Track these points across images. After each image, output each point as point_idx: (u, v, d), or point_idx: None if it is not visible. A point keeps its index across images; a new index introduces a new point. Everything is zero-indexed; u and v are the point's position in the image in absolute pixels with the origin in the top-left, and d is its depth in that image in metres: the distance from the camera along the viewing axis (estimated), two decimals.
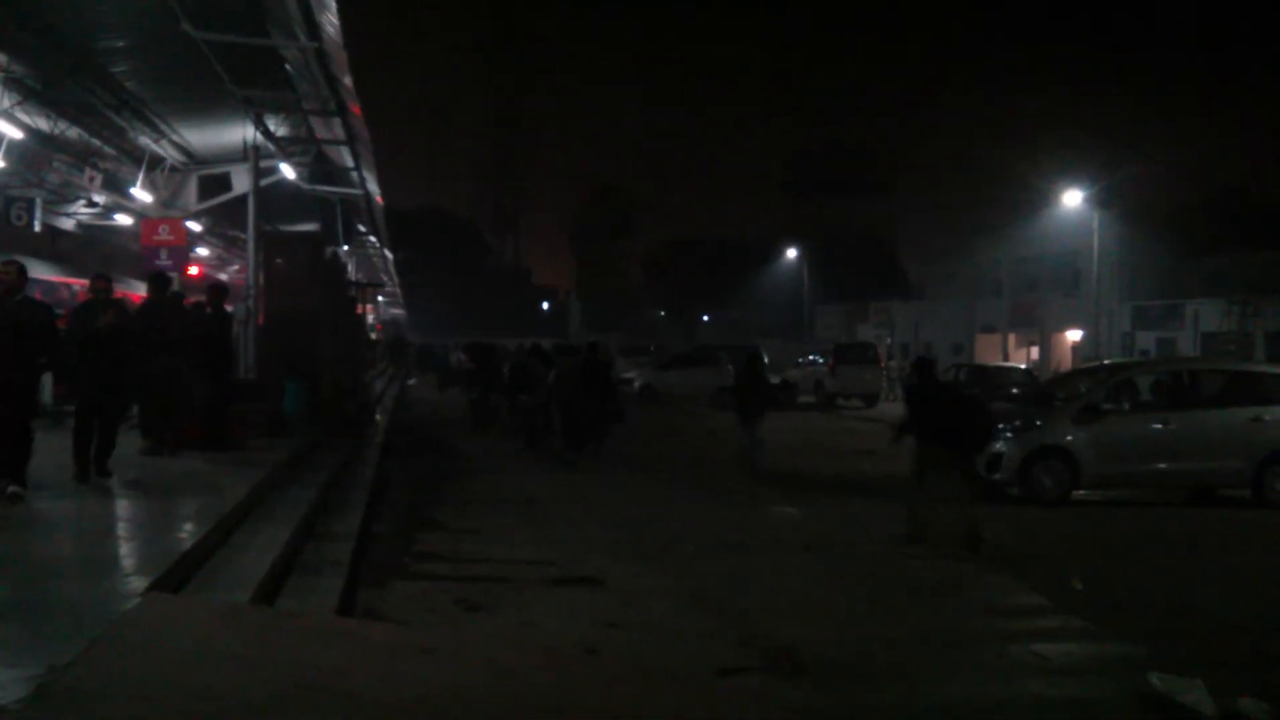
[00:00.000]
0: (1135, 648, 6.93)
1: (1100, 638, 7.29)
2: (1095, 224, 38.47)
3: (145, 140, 18.53)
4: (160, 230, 18.76)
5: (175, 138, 18.81)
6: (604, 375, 17.83)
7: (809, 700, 5.64)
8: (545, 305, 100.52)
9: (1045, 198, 44.15)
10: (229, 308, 13.76)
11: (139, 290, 17.66)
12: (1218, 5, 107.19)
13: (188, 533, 7.60)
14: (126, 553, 7.27)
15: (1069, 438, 13.86)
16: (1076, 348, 46.81)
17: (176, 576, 6.56)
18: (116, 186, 20.57)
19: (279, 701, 4.73)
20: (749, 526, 10.76)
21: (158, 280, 12.19)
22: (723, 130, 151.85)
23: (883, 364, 36.22)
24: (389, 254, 41.36)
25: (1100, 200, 39.52)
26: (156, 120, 17.63)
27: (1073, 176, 40.09)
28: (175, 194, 20.51)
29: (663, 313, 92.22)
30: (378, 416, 24.08)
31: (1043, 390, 19.58)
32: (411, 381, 43.49)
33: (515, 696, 5.26)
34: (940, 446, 10.39)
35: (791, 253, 67.30)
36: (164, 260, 17.99)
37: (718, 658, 6.65)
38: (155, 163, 19.79)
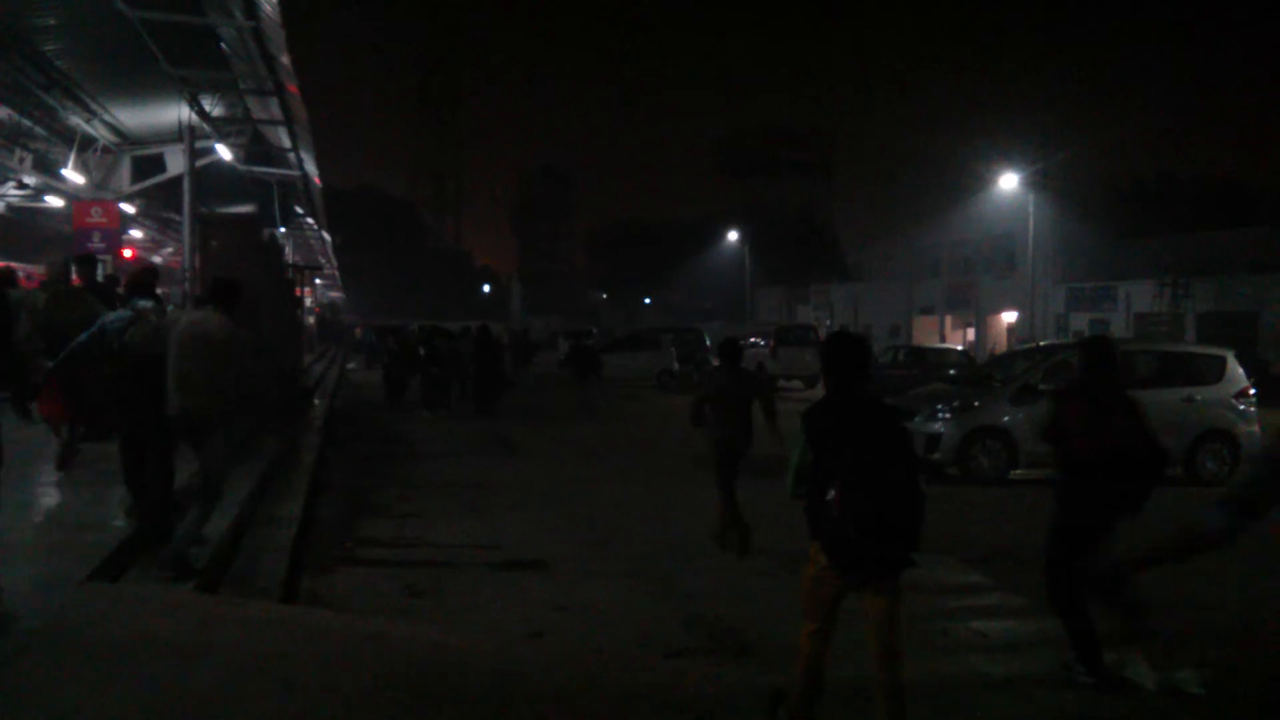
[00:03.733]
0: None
1: (1040, 614, 7.43)
2: (1031, 207, 39.10)
3: (77, 120, 18.12)
4: (93, 212, 18.40)
5: (108, 118, 18.42)
6: (494, 351, 23.54)
7: (755, 680, 5.69)
8: (486, 288, 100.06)
9: (982, 181, 44.77)
10: (161, 291, 13.49)
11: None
12: None
13: (125, 521, 7.48)
14: (65, 540, 7.12)
15: (1006, 418, 14.09)
16: (1012, 329, 47.58)
17: (116, 565, 6.47)
18: (47, 168, 20.10)
19: (223, 691, 4.70)
20: (691, 509, 10.82)
21: (85, 263, 11.91)
22: (661, 111, 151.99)
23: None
24: (327, 236, 40.86)
25: (1036, 183, 40.17)
26: (88, 100, 17.24)
27: (1009, 160, 40.69)
28: (108, 176, 20.10)
29: (604, 295, 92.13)
30: (317, 400, 23.83)
31: (980, 371, 19.87)
32: (351, 365, 43.10)
33: (462, 681, 5.26)
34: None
35: (732, 235, 67.59)
36: (97, 243, 17.64)
37: (665, 640, 6.70)
38: (87, 143, 19.37)
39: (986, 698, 5.95)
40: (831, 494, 4.54)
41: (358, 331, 58.48)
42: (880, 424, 4.78)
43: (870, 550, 4.55)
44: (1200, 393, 14.43)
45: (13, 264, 17.67)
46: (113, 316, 7.73)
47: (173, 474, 7.42)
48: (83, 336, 7.75)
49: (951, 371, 26.05)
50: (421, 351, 24.38)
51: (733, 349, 9.87)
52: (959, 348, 39.95)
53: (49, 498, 8.75)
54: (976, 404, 14.57)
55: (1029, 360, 16.04)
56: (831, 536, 4.60)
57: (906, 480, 4.62)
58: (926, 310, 54.82)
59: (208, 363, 6.76)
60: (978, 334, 50.36)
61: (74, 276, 11.35)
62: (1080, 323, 42.97)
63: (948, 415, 14.39)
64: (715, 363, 11.57)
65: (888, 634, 4.63)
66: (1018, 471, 14.11)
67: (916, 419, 14.50)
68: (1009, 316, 48.27)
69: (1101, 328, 40.83)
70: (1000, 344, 47.12)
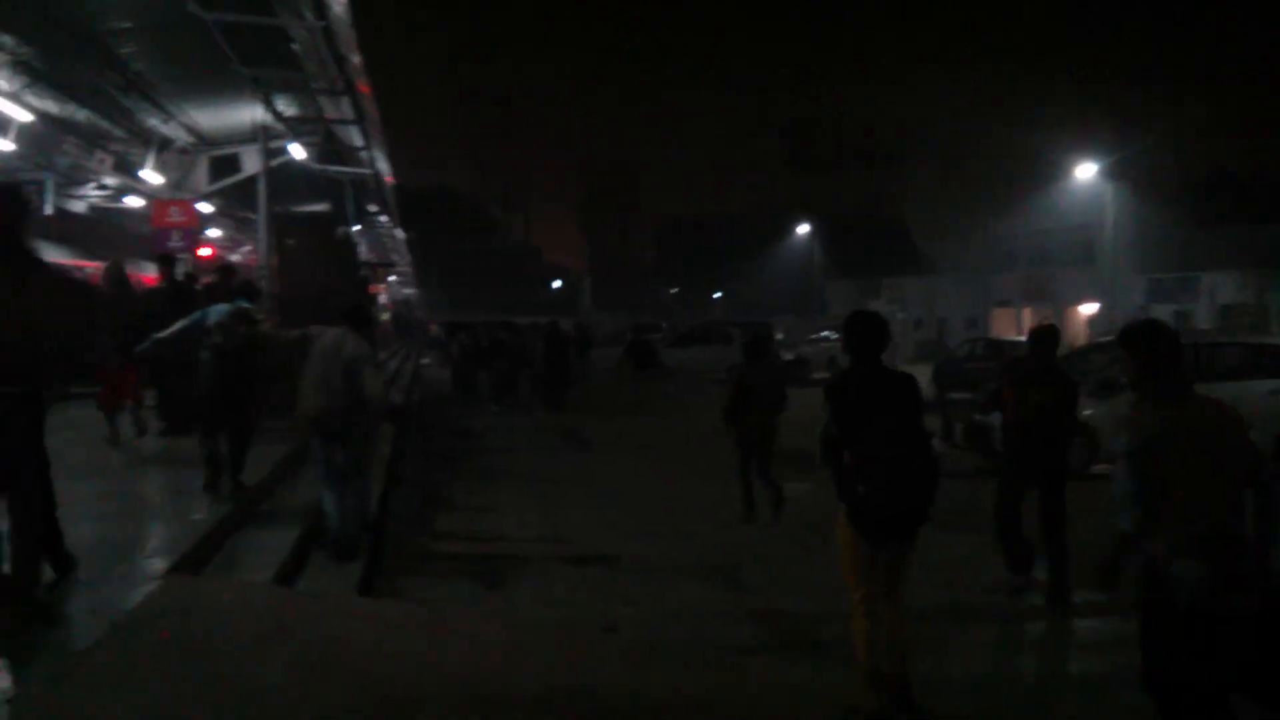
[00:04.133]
0: None
1: (1124, 614, 7.24)
2: (1109, 196, 38.23)
3: (154, 122, 18.50)
4: (171, 212, 18.76)
5: (184, 119, 18.78)
6: (562, 347, 23.38)
7: (828, 680, 5.61)
8: (556, 284, 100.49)
9: (1058, 170, 43.88)
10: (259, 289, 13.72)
11: (148, 272, 17.67)
12: None
13: (208, 514, 7.59)
14: (147, 534, 7.26)
15: (1087, 412, 13.75)
16: (1091, 321, 46.61)
17: (197, 558, 6.56)
18: (126, 169, 20.55)
19: (300, 682, 4.72)
20: (760, 503, 10.71)
21: (165, 261, 12.17)
22: (728, 104, 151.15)
23: (894, 340, 36.12)
24: (400, 233, 41.35)
25: (1114, 172, 39.25)
26: (165, 102, 17.59)
27: (1085, 149, 39.81)
28: (185, 176, 20.50)
29: (674, 290, 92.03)
30: (392, 396, 24.07)
31: (1059, 364, 19.49)
32: (425, 361, 43.51)
33: (536, 676, 5.24)
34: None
35: (802, 228, 67.04)
36: (176, 242, 17.97)
37: (735, 636, 6.63)
38: (165, 144, 19.77)
39: (1065, 697, 5.80)
40: (852, 462, 4.92)
41: (432, 328, 59.01)
42: (897, 396, 5.10)
43: (885, 515, 4.92)
44: None
45: (84, 263, 18.09)
46: (216, 309, 8.67)
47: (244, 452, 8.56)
48: (184, 323, 8.70)
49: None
50: (487, 346, 25.02)
51: (759, 344, 10.79)
52: None
53: (128, 491, 8.89)
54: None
55: (1108, 353, 15.67)
56: (850, 502, 4.98)
57: (917, 451, 4.97)
58: (1003, 303, 53.89)
59: (343, 373, 7.73)
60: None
61: (147, 276, 11.60)
62: (1162, 314, 41.93)
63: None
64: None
65: (894, 579, 5.08)
66: (1100, 466, 13.78)
67: (994, 413, 14.22)
68: (1088, 309, 47.29)
69: (1184, 320, 39.90)
70: (1080, 337, 46.22)
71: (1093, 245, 45.02)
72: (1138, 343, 4.46)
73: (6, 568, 4.94)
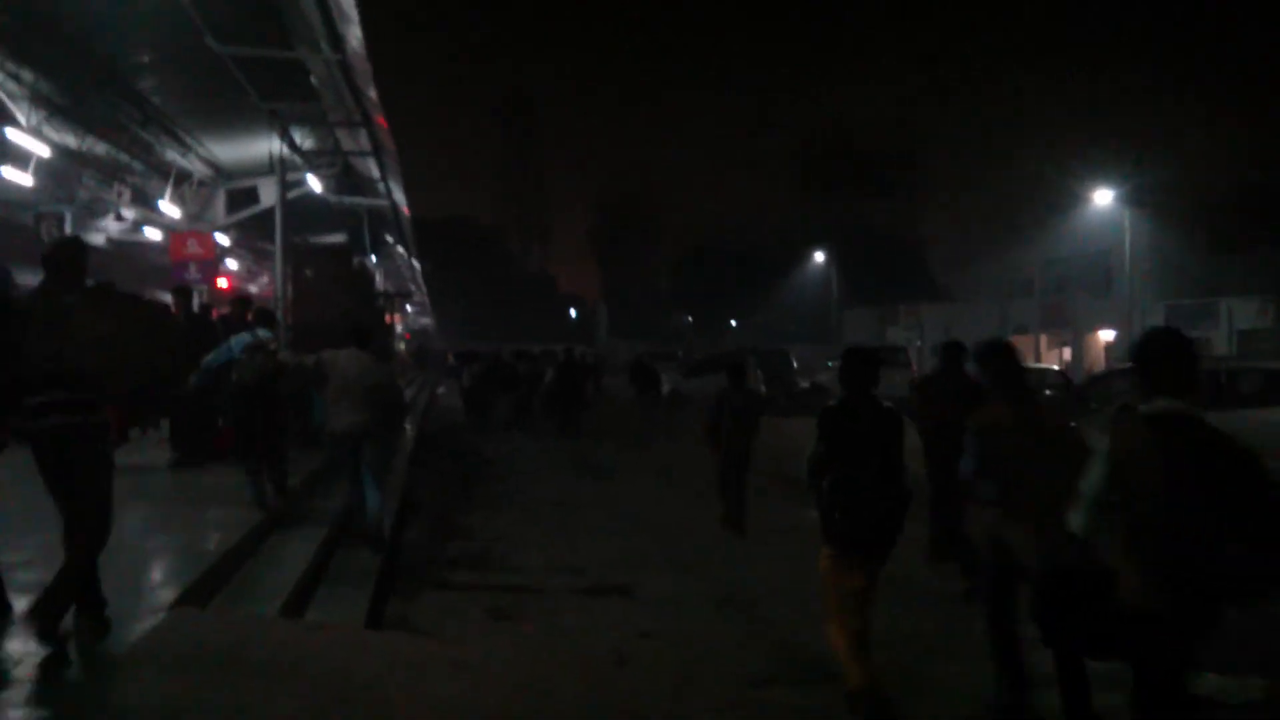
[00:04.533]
0: None
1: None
2: (1126, 222, 38.09)
3: (172, 155, 18.66)
4: (189, 244, 18.88)
5: (202, 152, 18.94)
6: (576, 374, 23.93)
7: (844, 711, 5.54)
8: (573, 312, 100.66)
9: (1075, 197, 43.79)
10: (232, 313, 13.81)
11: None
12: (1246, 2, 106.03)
13: (216, 545, 7.58)
14: (154, 566, 7.24)
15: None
16: (1110, 348, 46.37)
17: (204, 589, 6.54)
18: (145, 201, 20.70)
19: (308, 716, 4.69)
20: (775, 532, 10.65)
21: (181, 294, 12.27)
22: (743, 131, 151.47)
23: (914, 368, 35.99)
24: (416, 263, 41.49)
25: (1131, 198, 39.11)
26: (183, 135, 17.74)
27: (1102, 175, 39.73)
28: (203, 208, 20.63)
29: (690, 318, 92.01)
30: (407, 425, 24.10)
31: (1078, 391, 19.38)
32: (441, 389, 43.56)
33: (548, 709, 5.19)
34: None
35: (818, 256, 67.10)
36: (193, 274, 18.08)
37: (749, 668, 6.56)
38: (183, 177, 19.93)
39: None
40: (834, 482, 5.42)
41: (449, 357, 59.07)
42: (882, 427, 5.62)
43: (859, 535, 5.45)
44: None
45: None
46: (238, 340, 9.41)
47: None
48: (214, 357, 9.38)
49: (1048, 392, 25.44)
50: (502, 373, 25.76)
51: (738, 370, 11.71)
52: (1055, 367, 39.05)
53: (135, 522, 8.89)
54: (1073, 425, 14.15)
55: (1127, 380, 15.56)
56: (831, 520, 5.48)
57: (893, 479, 5.51)
58: (1020, 330, 53.67)
59: (363, 390, 8.82)
60: (1075, 353, 49.20)
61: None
62: None
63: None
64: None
65: (867, 594, 5.60)
66: None
67: None
68: (1106, 335, 47.08)
69: (1203, 346, 39.61)
70: (1098, 363, 45.96)
71: (1111, 272, 44.89)
72: (988, 358, 5.99)
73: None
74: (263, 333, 9.64)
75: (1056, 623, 4.83)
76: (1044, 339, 52.32)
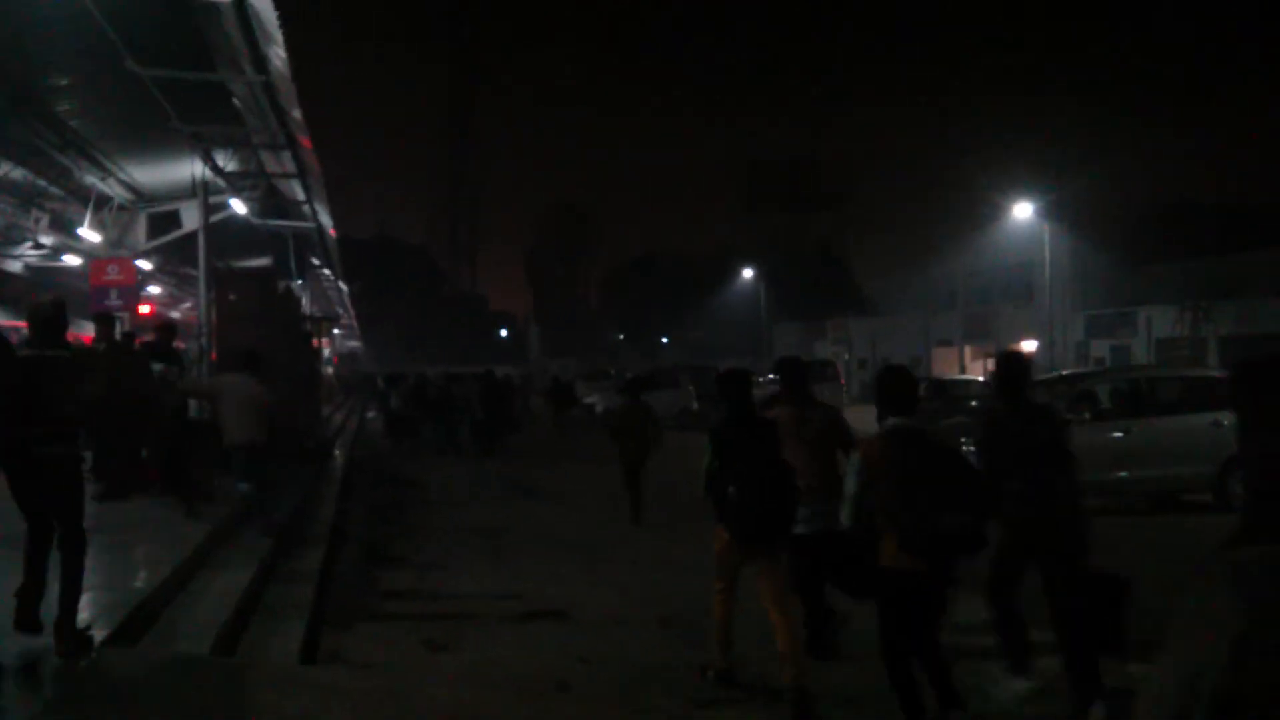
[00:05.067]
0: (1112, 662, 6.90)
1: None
2: (1046, 235, 38.91)
3: (92, 179, 18.22)
4: (109, 270, 18.42)
5: (122, 176, 18.52)
6: (499, 395, 25.21)
7: None
8: (503, 332, 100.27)
9: (997, 210, 44.63)
10: (180, 345, 13.55)
11: (88, 331, 17.35)
12: (1165, 19, 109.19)
13: (144, 581, 7.40)
14: (82, 603, 7.02)
15: None
16: (1031, 358, 47.20)
17: (134, 628, 6.37)
18: (64, 227, 20.21)
19: None
20: (711, 551, 10.66)
21: (103, 321, 12.01)
22: (674, 149, 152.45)
23: (842, 381, 36.38)
24: (344, 286, 41.02)
25: (1051, 211, 39.98)
26: (103, 159, 17.35)
27: (1024, 188, 40.57)
28: (124, 233, 20.18)
29: (621, 335, 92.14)
30: (336, 451, 23.79)
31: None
32: (370, 414, 43.09)
33: None
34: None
35: (748, 272, 67.62)
36: (114, 300, 17.66)
37: (692, 689, 6.54)
38: (103, 202, 19.47)
39: None
40: (731, 490, 6.24)
41: (380, 381, 58.45)
42: (762, 438, 6.42)
43: (755, 530, 6.25)
44: (1228, 417, 14.19)
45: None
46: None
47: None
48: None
49: (973, 403, 25.85)
50: (432, 396, 26.20)
51: (636, 385, 14.87)
52: (980, 379, 39.69)
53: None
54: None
55: (1051, 390, 15.85)
56: (730, 521, 6.33)
57: (779, 481, 6.27)
58: (945, 342, 54.56)
59: (254, 410, 10.42)
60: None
61: (85, 335, 11.63)
62: (1101, 350, 42.66)
63: (972, 448, 14.18)
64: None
65: (773, 586, 6.36)
66: None
67: None
68: (1028, 346, 47.97)
69: (1122, 354, 40.55)
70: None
71: (1032, 283, 45.78)
72: (781, 367, 7.60)
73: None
74: (157, 366, 11.47)
75: (832, 572, 6.40)
76: (967, 350, 53.19)
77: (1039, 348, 44.81)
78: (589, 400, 35.54)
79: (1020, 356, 6.87)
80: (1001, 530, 6.22)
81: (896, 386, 5.68)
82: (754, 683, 6.66)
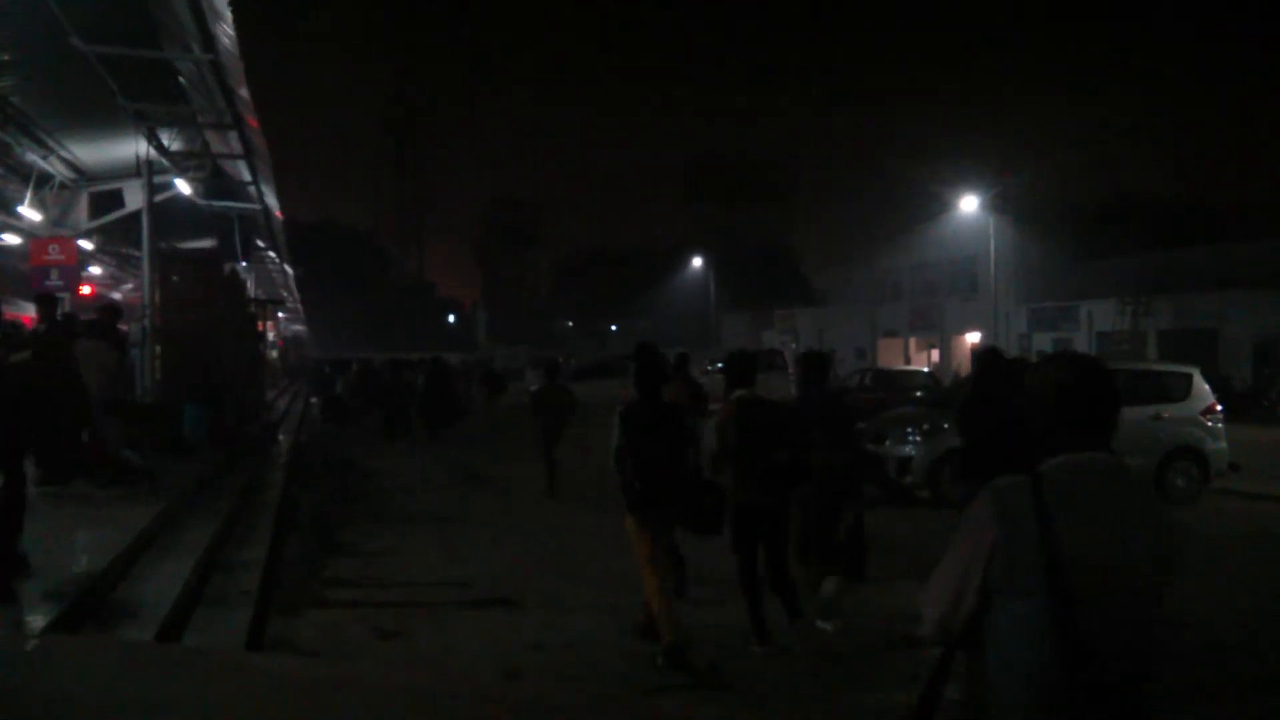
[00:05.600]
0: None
1: None
2: (991, 229, 39.35)
3: (33, 157, 17.81)
4: (50, 250, 18.04)
5: (64, 154, 18.13)
6: (446, 381, 25.70)
7: (737, 716, 5.58)
8: (451, 318, 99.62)
9: (943, 204, 45.08)
10: (122, 328, 13.33)
11: (28, 311, 17.01)
12: (1111, 15, 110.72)
13: (86, 568, 7.28)
14: (22, 591, 6.91)
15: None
16: (975, 350, 47.76)
17: (75, 615, 6.27)
18: (3, 205, 19.76)
19: None
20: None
21: (45, 302, 11.77)
22: (624, 141, 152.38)
23: (790, 370, 36.58)
24: (289, 269, 40.55)
25: (996, 205, 40.43)
26: (45, 136, 16.96)
27: (970, 183, 40.98)
28: (65, 212, 19.76)
29: (571, 323, 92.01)
30: (281, 437, 23.54)
31: (948, 393, 19.91)
32: (314, 399, 42.65)
33: None
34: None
35: (697, 262, 67.79)
36: (54, 280, 17.32)
37: (643, 676, 6.57)
38: (44, 180, 19.05)
39: None
40: (629, 465, 7.05)
41: (326, 368, 57.83)
42: (666, 421, 7.27)
43: (654, 504, 7.06)
44: (1168, 410, 14.48)
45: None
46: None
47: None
48: None
49: (918, 394, 26.12)
50: (385, 382, 26.64)
51: (554, 367, 15.55)
52: (925, 370, 40.11)
53: None
54: (946, 426, 14.51)
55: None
56: (629, 495, 7.10)
57: (677, 461, 7.19)
58: (890, 333, 55.05)
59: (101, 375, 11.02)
60: (942, 356, 50.61)
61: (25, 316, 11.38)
62: (1044, 342, 43.25)
63: (918, 438, 14.35)
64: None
65: (668, 550, 7.58)
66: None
67: (887, 442, 14.47)
68: (973, 337, 48.53)
69: (1064, 347, 41.05)
70: (965, 365, 47.33)
71: (977, 276, 46.31)
72: (727, 363, 7.84)
73: None
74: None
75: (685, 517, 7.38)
76: (913, 341, 53.71)
77: (982, 340, 45.35)
78: (534, 388, 35.64)
79: (820, 355, 9.05)
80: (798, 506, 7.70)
81: (741, 367, 7.55)
82: (705, 671, 6.70)
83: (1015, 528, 2.52)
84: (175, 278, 16.97)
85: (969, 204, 40.68)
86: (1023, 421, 2.66)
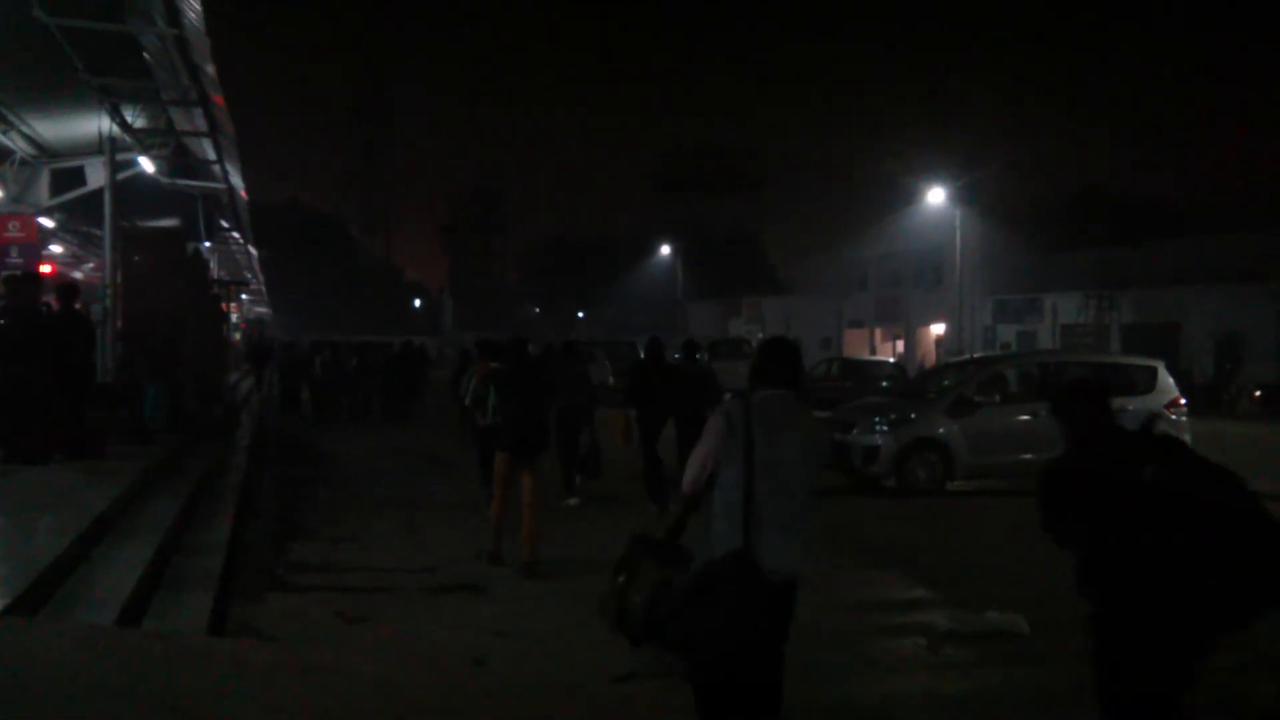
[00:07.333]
0: (1019, 641, 7.05)
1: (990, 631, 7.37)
2: (958, 220, 39.55)
3: None
4: (9, 227, 17.72)
5: (25, 129, 17.80)
6: (411, 364, 26.87)
7: None
8: (417, 303, 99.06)
9: (909, 196, 45.28)
10: (80, 307, 13.09)
11: None
12: (1078, 10, 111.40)
13: (44, 550, 7.12)
14: None
15: (942, 430, 14.15)
16: (940, 341, 48.12)
17: (33, 599, 6.14)
18: None
19: None
20: (625, 528, 10.64)
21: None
22: (594, 128, 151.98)
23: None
24: (253, 250, 40.08)
25: (963, 197, 40.63)
26: (4, 111, 16.64)
27: (936, 175, 41.18)
28: (25, 189, 19.40)
29: (538, 310, 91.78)
30: (244, 420, 23.30)
31: (914, 384, 19.97)
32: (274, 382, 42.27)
33: (404, 713, 5.05)
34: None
35: (665, 250, 67.75)
36: (14, 258, 17.02)
37: (611, 664, 6.52)
38: (3, 156, 18.72)
39: (942, 717, 5.86)
40: (504, 416, 9.57)
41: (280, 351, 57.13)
42: (531, 381, 9.68)
43: (522, 445, 9.37)
44: (1132, 403, 14.56)
45: None
46: None
47: None
48: None
49: (884, 384, 26.24)
50: (352, 365, 26.59)
51: (522, 349, 14.48)
52: (891, 360, 40.32)
53: None
54: (913, 416, 14.58)
55: (962, 373, 16.13)
56: (504, 437, 9.52)
57: (539, 413, 9.63)
58: (856, 323, 55.34)
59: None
60: (907, 346, 50.91)
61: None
62: (1008, 334, 43.62)
63: (885, 428, 14.39)
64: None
65: (531, 489, 9.33)
66: (955, 483, 14.16)
67: (854, 431, 14.50)
68: (938, 329, 48.84)
69: (1028, 339, 41.46)
70: (930, 356, 47.64)
71: (942, 268, 46.60)
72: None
73: None
74: None
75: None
76: (879, 332, 54.01)
77: (948, 331, 45.64)
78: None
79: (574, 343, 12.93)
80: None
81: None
82: (665, 658, 6.65)
83: (733, 429, 4.29)
84: (137, 257, 16.71)
85: (936, 196, 40.86)
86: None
